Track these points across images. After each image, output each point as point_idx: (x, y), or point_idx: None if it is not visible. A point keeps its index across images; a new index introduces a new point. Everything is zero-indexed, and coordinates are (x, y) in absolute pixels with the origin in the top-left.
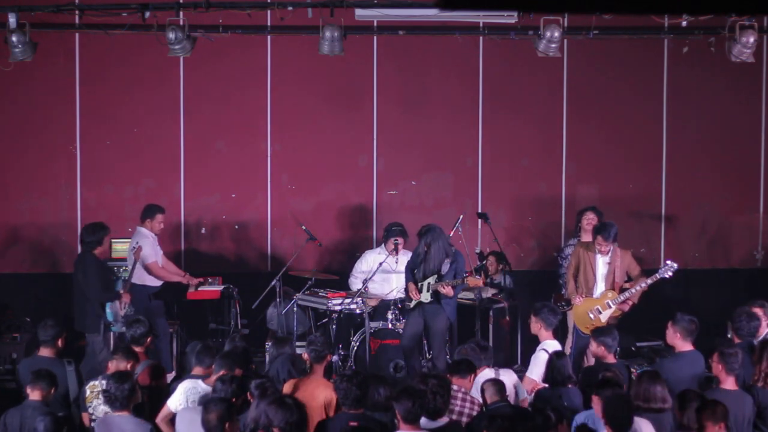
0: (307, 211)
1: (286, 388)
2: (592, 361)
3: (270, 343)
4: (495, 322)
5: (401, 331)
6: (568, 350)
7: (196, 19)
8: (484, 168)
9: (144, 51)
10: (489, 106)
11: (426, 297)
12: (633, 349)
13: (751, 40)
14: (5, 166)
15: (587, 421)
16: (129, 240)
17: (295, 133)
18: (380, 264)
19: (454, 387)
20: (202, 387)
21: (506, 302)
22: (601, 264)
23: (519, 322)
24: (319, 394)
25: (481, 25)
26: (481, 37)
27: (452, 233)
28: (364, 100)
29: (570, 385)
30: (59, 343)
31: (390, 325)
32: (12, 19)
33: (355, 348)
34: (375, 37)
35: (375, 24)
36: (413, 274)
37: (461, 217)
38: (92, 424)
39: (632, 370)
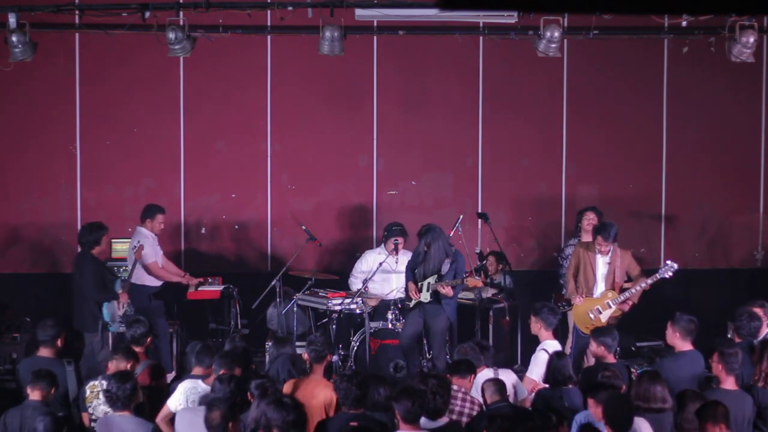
0: (307, 211)
1: (286, 388)
2: (592, 361)
3: (270, 343)
4: (495, 322)
5: (401, 330)
6: (568, 350)
7: (196, 19)
8: (484, 168)
9: (144, 51)
10: (489, 106)
11: (426, 297)
12: (633, 349)
13: (751, 40)
14: (5, 166)
15: (588, 420)
16: (129, 240)
17: (295, 133)
18: (380, 264)
19: (454, 387)
20: (202, 387)
21: (506, 302)
22: (601, 264)
23: (519, 322)
24: (318, 394)
25: (481, 25)
26: (481, 37)
27: (452, 233)
28: (364, 100)
29: (570, 386)
30: (58, 343)
31: (390, 325)
32: (12, 19)
33: (355, 348)
34: (375, 37)
35: (375, 24)
36: (414, 273)
37: (461, 217)
38: (92, 424)
39: (632, 370)
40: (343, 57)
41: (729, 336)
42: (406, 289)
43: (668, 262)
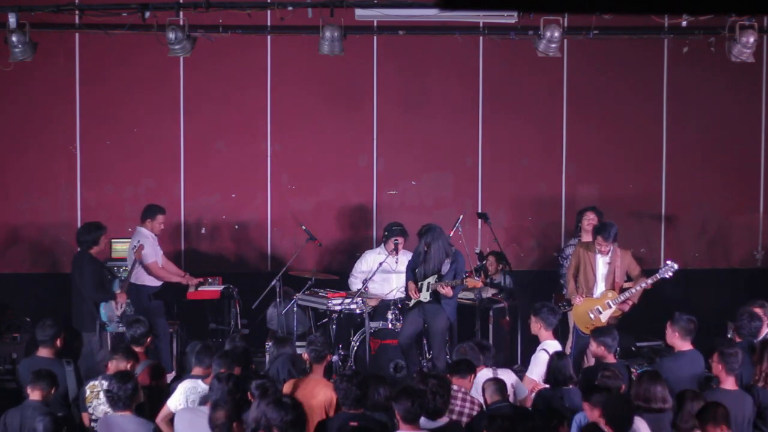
0: (307, 211)
1: (286, 388)
2: (592, 361)
3: (270, 343)
4: (495, 322)
5: (400, 330)
6: (568, 350)
7: (196, 19)
8: (484, 168)
9: (144, 51)
10: (489, 106)
11: (425, 296)
12: (633, 349)
13: (751, 40)
14: (5, 166)
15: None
16: (129, 240)
17: (295, 133)
18: (380, 264)
19: (454, 387)
20: (201, 387)
21: (506, 302)
22: (601, 264)
23: (519, 322)
24: (318, 394)
25: (481, 25)
26: (481, 37)
27: (452, 233)
28: (364, 100)
29: (571, 386)
30: (57, 343)
31: (390, 325)
32: (12, 19)
33: (355, 348)
34: (375, 37)
35: (375, 24)
36: (414, 273)
37: (461, 217)
38: (92, 424)
39: (632, 370)
40: (343, 57)
41: (729, 336)
42: (406, 289)
43: (668, 262)
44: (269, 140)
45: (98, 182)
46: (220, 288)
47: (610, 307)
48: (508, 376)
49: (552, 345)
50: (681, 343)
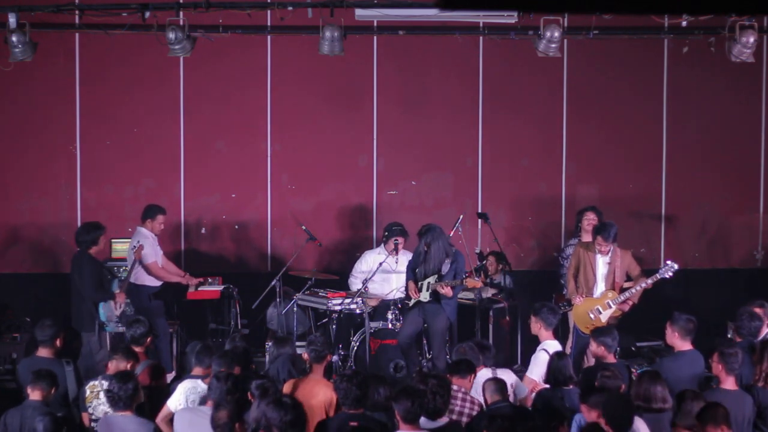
0: (307, 211)
1: (286, 388)
2: (592, 361)
3: (270, 343)
4: (495, 322)
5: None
6: (568, 350)
7: (196, 19)
8: (484, 168)
9: (144, 51)
10: (489, 106)
11: (425, 296)
12: (633, 349)
13: (751, 40)
14: (5, 166)
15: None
16: (129, 240)
17: (295, 133)
18: (380, 264)
19: (454, 387)
20: (201, 387)
21: (506, 302)
22: (601, 264)
23: (519, 322)
24: (318, 394)
25: (481, 25)
26: (481, 37)
27: (452, 233)
28: (364, 100)
29: (571, 386)
30: (57, 342)
31: (390, 325)
32: (12, 19)
33: (355, 348)
34: (375, 37)
35: (375, 24)
36: (414, 273)
37: (461, 217)
38: (92, 424)
39: (632, 370)
40: (343, 57)
41: (729, 336)
42: (406, 288)
43: (668, 262)
44: (269, 140)
45: (98, 182)
46: (220, 288)
47: (610, 307)
48: (507, 376)
49: (552, 345)
50: (681, 343)
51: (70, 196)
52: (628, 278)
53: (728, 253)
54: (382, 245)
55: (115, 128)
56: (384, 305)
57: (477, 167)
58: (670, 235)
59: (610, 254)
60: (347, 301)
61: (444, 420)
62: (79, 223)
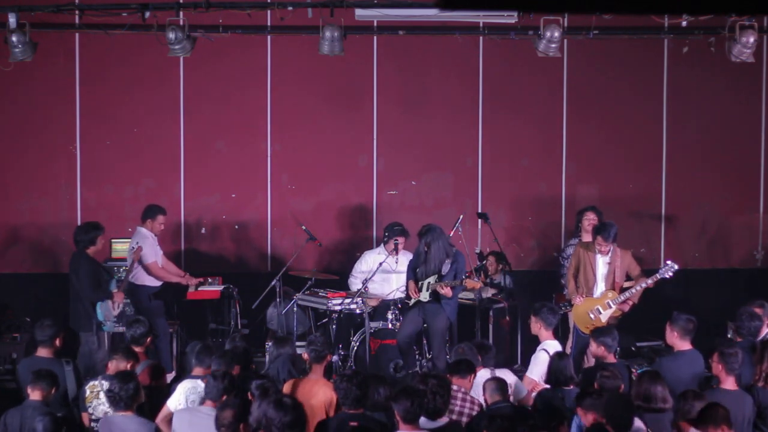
0: (307, 211)
1: (286, 388)
2: (592, 362)
3: (270, 343)
4: (495, 322)
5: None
6: (568, 350)
7: (196, 19)
8: (484, 168)
9: (144, 51)
10: (489, 106)
11: (425, 296)
12: (633, 349)
13: (751, 40)
14: (5, 166)
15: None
16: (129, 240)
17: (295, 133)
18: (380, 264)
19: (454, 387)
20: (201, 387)
21: (506, 302)
22: (601, 264)
23: (519, 322)
24: (318, 394)
25: (481, 25)
26: (481, 37)
27: (452, 233)
28: (364, 100)
29: (571, 386)
30: (57, 342)
31: (390, 325)
32: (12, 19)
33: (355, 348)
34: (375, 37)
35: (375, 24)
36: (415, 273)
37: (461, 217)
38: (92, 424)
39: (632, 370)
40: (343, 57)
41: (729, 336)
42: (407, 288)
43: (668, 262)
44: (269, 140)
45: (98, 182)
46: (220, 288)
47: (610, 307)
48: (507, 376)
49: (552, 345)
50: (680, 343)
51: (70, 196)
52: (628, 278)
53: (728, 253)
54: (382, 245)
55: (115, 128)
56: (384, 305)
57: (477, 167)
58: (670, 235)
59: (610, 254)
60: (347, 301)
61: (444, 420)
62: (79, 223)
